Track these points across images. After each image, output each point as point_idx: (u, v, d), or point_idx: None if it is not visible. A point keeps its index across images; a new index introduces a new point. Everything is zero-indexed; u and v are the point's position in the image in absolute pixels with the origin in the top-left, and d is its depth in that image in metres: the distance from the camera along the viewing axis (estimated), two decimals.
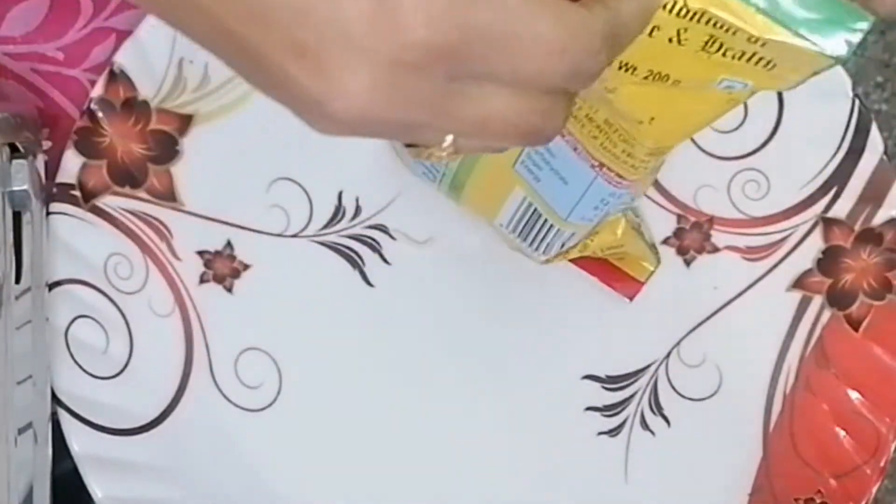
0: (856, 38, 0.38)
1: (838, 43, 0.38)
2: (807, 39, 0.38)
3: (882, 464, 0.57)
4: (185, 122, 0.55)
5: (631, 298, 0.57)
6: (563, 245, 0.53)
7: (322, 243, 0.57)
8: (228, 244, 0.57)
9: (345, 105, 0.34)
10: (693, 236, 0.57)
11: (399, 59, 0.34)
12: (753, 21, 0.38)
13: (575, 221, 0.51)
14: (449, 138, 0.36)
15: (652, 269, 0.57)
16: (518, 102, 0.36)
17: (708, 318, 0.58)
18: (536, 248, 0.53)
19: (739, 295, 0.58)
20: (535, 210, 0.51)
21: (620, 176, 0.47)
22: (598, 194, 0.49)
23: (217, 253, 0.57)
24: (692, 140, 0.57)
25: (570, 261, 0.56)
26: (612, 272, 0.57)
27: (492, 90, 0.35)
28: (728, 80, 0.40)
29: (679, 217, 0.57)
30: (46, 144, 0.55)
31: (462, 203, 0.54)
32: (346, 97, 0.34)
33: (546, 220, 0.51)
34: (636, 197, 0.54)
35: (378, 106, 0.34)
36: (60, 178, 0.55)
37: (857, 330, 0.57)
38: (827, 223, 0.57)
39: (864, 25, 0.38)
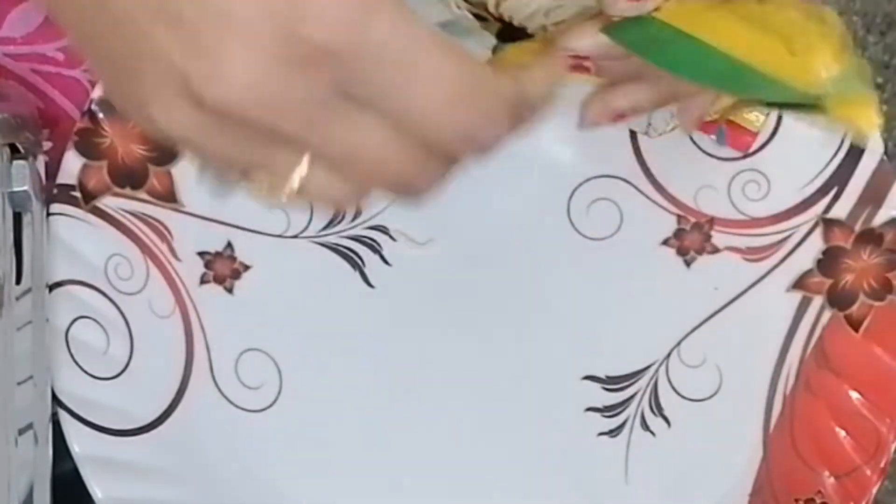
0: None
1: None
2: None
3: (882, 464, 0.56)
4: None
5: (745, 150, 0.55)
6: None
7: (322, 244, 0.57)
8: (229, 245, 0.57)
9: (219, 91, 0.30)
10: (693, 237, 0.57)
11: (286, 53, 0.30)
12: None
13: None
14: (302, 166, 0.32)
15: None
16: (397, 144, 0.32)
17: (708, 318, 0.58)
18: None
19: (740, 295, 0.58)
20: None
21: None
22: None
23: (217, 254, 0.57)
24: (692, 141, 0.57)
25: None
26: (727, 127, 0.55)
27: (374, 121, 0.32)
28: None
29: (679, 218, 0.57)
30: (47, 145, 0.55)
31: None
32: (222, 82, 0.30)
33: None
34: None
35: (253, 100, 0.30)
36: (61, 179, 0.55)
37: (857, 330, 0.57)
38: (827, 224, 0.57)
39: None
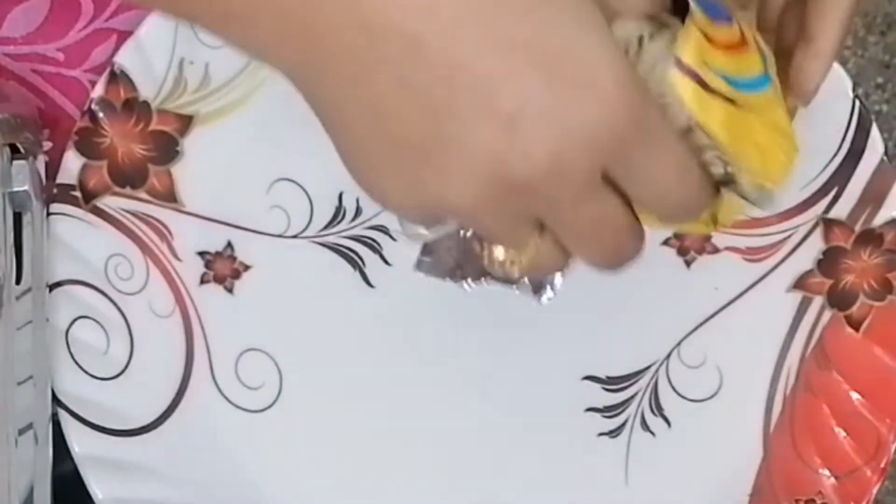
0: None
1: None
2: None
3: (882, 465, 0.57)
4: (186, 122, 0.55)
5: None
6: None
7: (322, 244, 0.57)
8: (229, 245, 0.57)
9: (450, 200, 0.37)
10: (694, 237, 0.57)
11: (511, 183, 0.36)
12: None
13: None
14: (537, 240, 0.39)
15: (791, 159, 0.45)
16: (627, 220, 0.39)
17: (708, 318, 0.58)
18: None
19: (740, 296, 0.58)
20: None
21: None
22: None
23: (218, 254, 0.57)
24: None
25: None
26: None
27: (616, 199, 0.38)
28: None
29: None
30: (47, 145, 0.55)
31: None
32: (452, 195, 0.37)
33: None
34: None
35: (548, 171, 0.36)
36: (61, 179, 0.55)
37: (857, 331, 0.57)
38: (827, 224, 0.57)
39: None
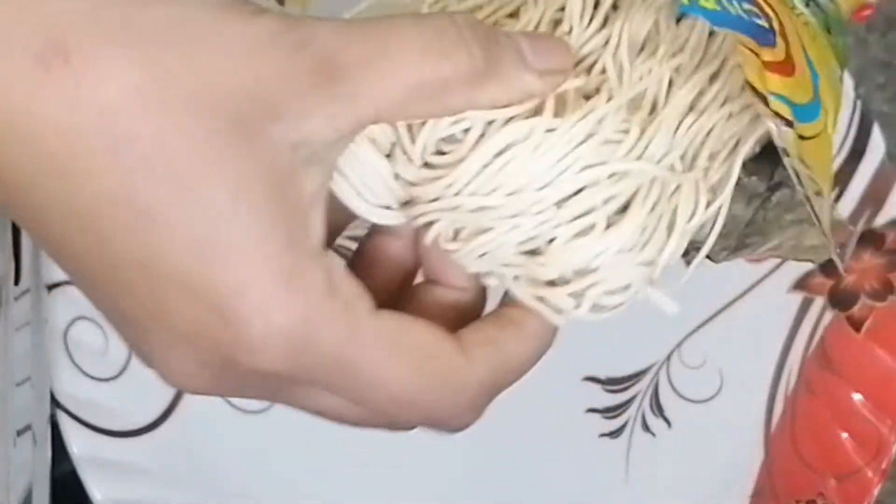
0: None
1: None
2: None
3: (884, 465, 0.56)
4: None
5: None
6: None
7: None
8: None
9: (167, 378, 0.32)
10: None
11: (225, 372, 0.31)
12: None
13: None
14: None
15: None
16: (358, 412, 0.33)
17: (709, 319, 0.58)
18: None
19: (741, 296, 0.57)
20: None
21: None
22: None
23: None
24: None
25: None
26: None
27: (330, 399, 0.33)
28: None
29: None
30: None
31: None
32: (168, 375, 0.32)
33: None
34: None
35: (206, 389, 0.32)
36: None
37: (858, 331, 0.57)
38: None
39: None
